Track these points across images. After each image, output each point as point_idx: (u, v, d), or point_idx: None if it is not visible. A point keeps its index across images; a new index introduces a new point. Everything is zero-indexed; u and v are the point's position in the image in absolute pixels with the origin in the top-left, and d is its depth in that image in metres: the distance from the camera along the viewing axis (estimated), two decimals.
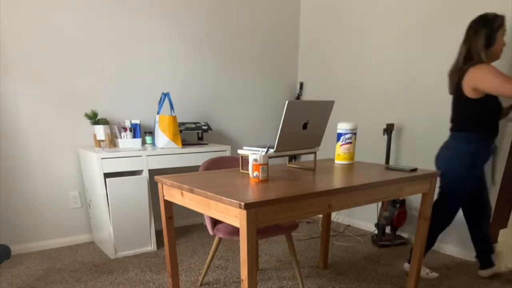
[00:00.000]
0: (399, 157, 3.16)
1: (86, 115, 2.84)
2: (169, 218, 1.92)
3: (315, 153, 2.00)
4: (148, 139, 3.10)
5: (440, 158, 2.30)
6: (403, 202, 2.99)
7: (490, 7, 2.46)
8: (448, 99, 2.26)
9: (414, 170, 1.96)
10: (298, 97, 4.00)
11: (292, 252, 2.24)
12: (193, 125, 3.30)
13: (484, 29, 2.06)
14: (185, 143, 3.14)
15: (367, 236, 3.27)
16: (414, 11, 2.92)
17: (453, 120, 2.26)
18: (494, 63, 2.13)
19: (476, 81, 2.04)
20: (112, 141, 2.93)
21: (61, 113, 2.88)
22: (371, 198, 1.76)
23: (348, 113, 3.47)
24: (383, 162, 3.07)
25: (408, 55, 2.99)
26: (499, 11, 2.10)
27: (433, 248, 2.96)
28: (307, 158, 3.14)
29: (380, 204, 3.07)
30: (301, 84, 4.01)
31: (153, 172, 2.74)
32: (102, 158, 2.63)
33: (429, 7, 2.82)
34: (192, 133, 3.39)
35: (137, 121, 2.98)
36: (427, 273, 2.48)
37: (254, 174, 1.65)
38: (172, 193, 1.79)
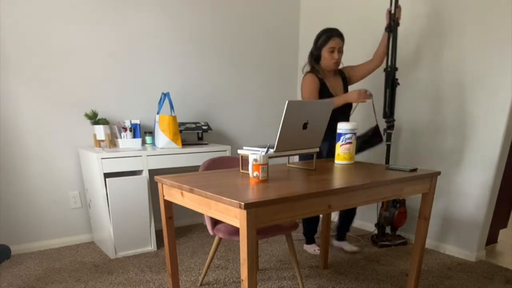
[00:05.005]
0: (399, 157, 3.16)
1: (86, 115, 2.84)
2: (169, 218, 1.92)
3: (315, 153, 2.00)
4: (148, 139, 3.10)
5: None
6: (403, 202, 2.98)
7: (489, 6, 2.46)
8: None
9: (414, 170, 1.96)
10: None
11: (292, 252, 2.24)
12: (193, 125, 3.30)
13: None
14: (185, 143, 3.13)
15: (367, 236, 3.27)
16: (414, 10, 2.91)
17: None
18: None
19: None
20: (112, 141, 2.93)
21: (61, 113, 2.88)
22: (371, 198, 1.75)
23: None
24: (383, 162, 3.07)
25: (409, 55, 2.99)
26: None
27: (432, 248, 2.98)
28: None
29: (380, 204, 3.07)
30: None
31: (153, 172, 2.74)
32: (102, 158, 2.63)
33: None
34: (192, 133, 3.39)
35: (137, 121, 2.98)
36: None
37: (254, 174, 1.64)
38: (172, 193, 1.79)
